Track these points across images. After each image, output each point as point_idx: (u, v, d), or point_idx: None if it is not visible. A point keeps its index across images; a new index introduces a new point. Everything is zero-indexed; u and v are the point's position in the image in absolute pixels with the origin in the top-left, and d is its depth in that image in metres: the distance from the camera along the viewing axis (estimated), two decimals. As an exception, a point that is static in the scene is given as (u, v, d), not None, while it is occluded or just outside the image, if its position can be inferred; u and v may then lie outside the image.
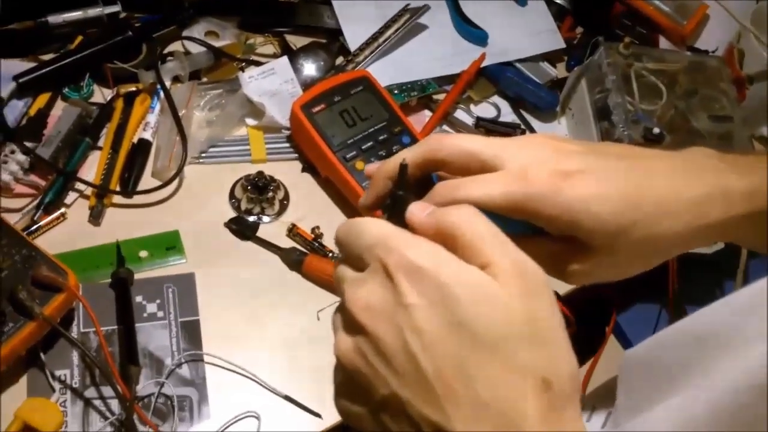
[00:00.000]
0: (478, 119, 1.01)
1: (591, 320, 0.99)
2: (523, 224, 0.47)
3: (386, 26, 1.01)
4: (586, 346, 1.00)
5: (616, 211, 0.46)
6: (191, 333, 0.76)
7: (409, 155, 0.48)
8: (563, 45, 1.09)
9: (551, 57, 1.08)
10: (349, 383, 0.41)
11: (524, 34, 1.08)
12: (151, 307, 0.77)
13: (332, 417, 0.74)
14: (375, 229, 0.40)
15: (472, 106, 1.03)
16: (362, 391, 0.39)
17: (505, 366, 0.36)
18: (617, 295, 1.01)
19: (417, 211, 0.42)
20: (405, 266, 0.38)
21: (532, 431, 0.35)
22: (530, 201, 0.45)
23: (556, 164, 0.46)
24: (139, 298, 0.77)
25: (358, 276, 0.40)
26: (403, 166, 0.45)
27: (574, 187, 0.45)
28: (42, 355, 0.72)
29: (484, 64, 1.03)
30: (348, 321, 0.40)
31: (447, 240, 0.39)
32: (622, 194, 0.46)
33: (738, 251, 0.99)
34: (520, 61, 1.05)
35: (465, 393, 0.36)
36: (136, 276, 0.78)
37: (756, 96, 0.99)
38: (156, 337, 0.75)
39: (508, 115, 1.04)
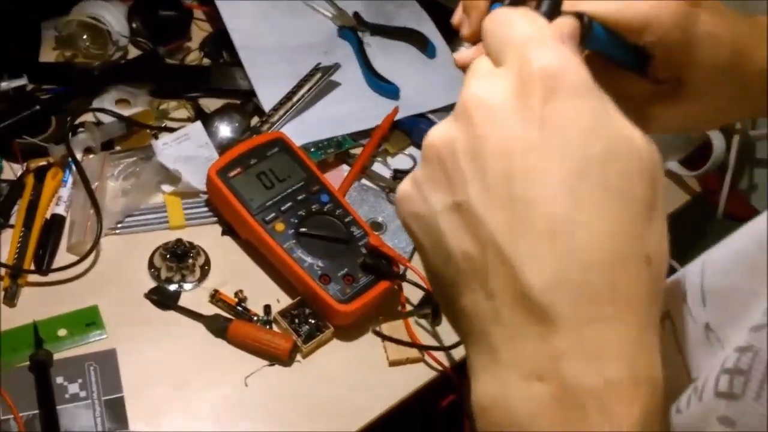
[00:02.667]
0: (396, 171, 1.03)
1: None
2: (628, 56, 0.48)
3: (299, 86, 1.02)
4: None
5: (729, 56, 0.48)
6: (116, 411, 0.74)
7: None
8: (472, 94, 1.12)
9: (462, 106, 1.11)
10: (424, 177, 0.36)
11: (434, 86, 1.11)
12: (73, 388, 0.75)
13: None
14: (528, 26, 0.36)
15: (389, 159, 1.05)
16: (434, 189, 0.36)
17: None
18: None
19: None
20: (548, 76, 0.34)
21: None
22: (659, 20, 0.46)
23: None
24: (60, 379, 0.75)
25: (490, 69, 0.36)
26: None
27: (702, 21, 0.47)
28: (-41, 448, 0.70)
29: (397, 117, 1.05)
30: (459, 112, 0.35)
31: None
32: (733, 40, 0.49)
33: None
34: (432, 111, 1.08)
35: (537, 227, 0.32)
36: (56, 356, 0.77)
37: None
38: (79, 418, 0.73)
39: (424, 166, 1.06)
